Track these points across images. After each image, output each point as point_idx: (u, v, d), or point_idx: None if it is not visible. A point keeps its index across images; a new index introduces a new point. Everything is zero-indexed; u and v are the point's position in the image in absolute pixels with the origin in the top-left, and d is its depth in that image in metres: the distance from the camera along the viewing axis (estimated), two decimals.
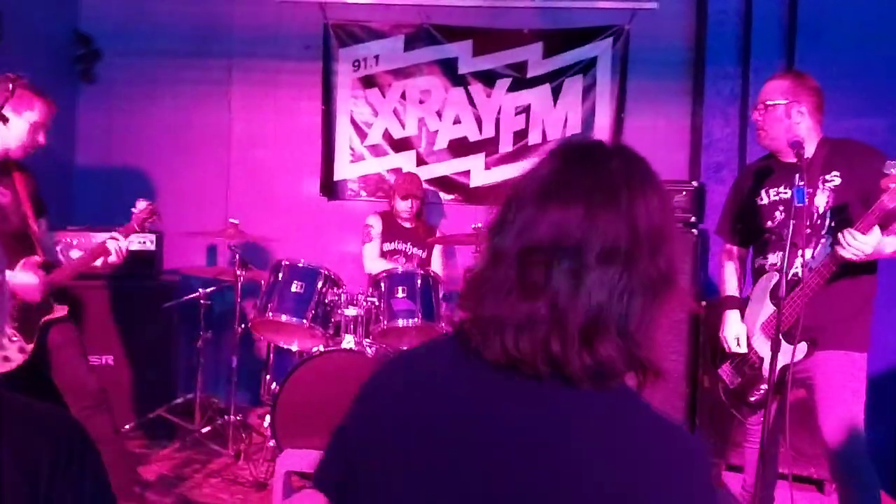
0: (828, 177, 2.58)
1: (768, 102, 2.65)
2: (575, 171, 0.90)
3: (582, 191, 0.87)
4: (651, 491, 0.82)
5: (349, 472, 0.97)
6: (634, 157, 0.94)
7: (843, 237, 2.36)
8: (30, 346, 2.92)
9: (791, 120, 2.61)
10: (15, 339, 2.88)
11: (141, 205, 3.41)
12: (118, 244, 3.07)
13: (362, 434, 0.97)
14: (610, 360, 0.85)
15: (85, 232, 4.06)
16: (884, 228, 2.39)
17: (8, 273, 2.83)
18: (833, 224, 2.54)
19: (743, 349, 2.72)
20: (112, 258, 3.08)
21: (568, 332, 0.83)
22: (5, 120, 2.65)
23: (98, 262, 3.09)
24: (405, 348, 1.03)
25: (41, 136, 2.99)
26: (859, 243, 2.37)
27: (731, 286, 2.90)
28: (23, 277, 2.86)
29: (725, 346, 2.77)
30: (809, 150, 2.61)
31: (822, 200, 2.59)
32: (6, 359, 2.88)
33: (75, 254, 3.13)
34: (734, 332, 2.75)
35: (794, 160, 2.52)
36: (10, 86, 2.66)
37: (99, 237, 3.89)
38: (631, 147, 0.96)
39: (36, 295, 2.88)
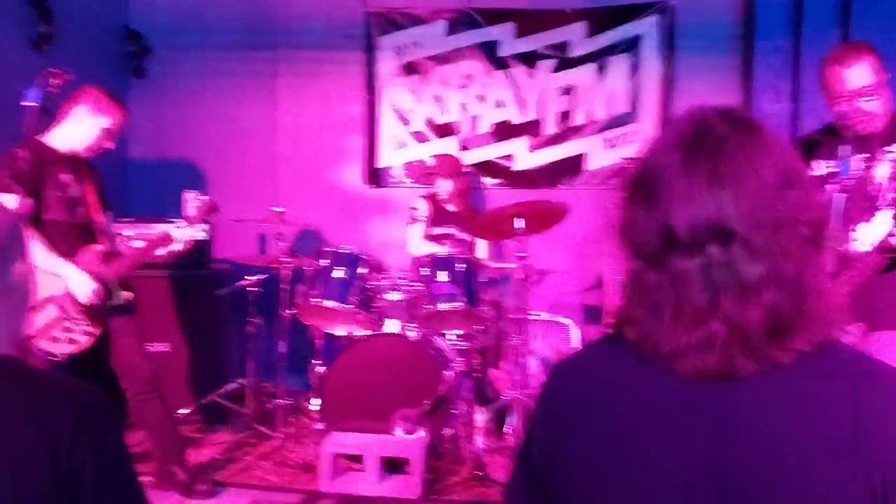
0: (890, 147, 2.46)
1: (874, 86, 2.42)
2: (696, 169, 0.83)
3: (710, 189, 0.82)
4: (882, 438, 0.79)
5: (542, 495, 0.95)
6: (746, 123, 0.87)
7: (856, 232, 2.29)
8: (96, 331, 3.04)
9: (886, 96, 2.46)
10: (81, 322, 3.00)
11: (199, 197, 3.51)
12: (182, 232, 3.18)
13: (556, 454, 0.94)
14: (806, 345, 0.82)
15: (138, 223, 4.18)
16: None
17: (72, 270, 2.95)
18: (892, 196, 2.43)
19: None
20: (177, 246, 3.18)
21: (755, 345, 0.81)
22: (49, 113, 2.75)
23: (162, 251, 3.19)
24: (564, 359, 1.00)
25: (109, 142, 3.12)
26: None
27: None
28: (80, 282, 2.96)
29: None
30: (878, 124, 2.50)
31: (883, 171, 2.46)
32: (72, 341, 3.01)
33: (137, 244, 3.23)
34: None
35: (863, 133, 2.42)
36: (55, 81, 2.76)
37: (154, 228, 4.05)
38: (739, 110, 0.90)
39: (90, 299, 2.98)
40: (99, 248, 3.09)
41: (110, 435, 0.99)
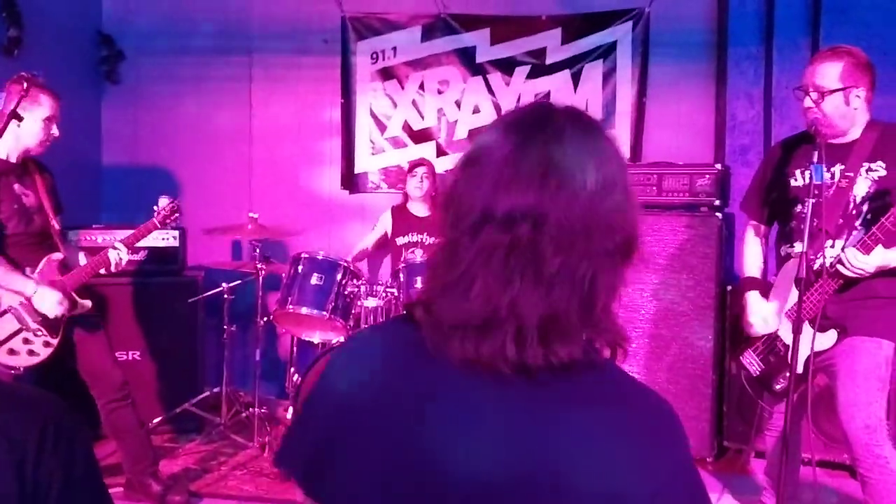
0: (873, 166, 2.46)
1: (823, 89, 2.44)
2: (528, 153, 0.83)
3: (535, 176, 0.82)
4: (662, 459, 0.80)
5: (317, 451, 0.93)
6: (589, 124, 0.88)
7: (845, 257, 2.32)
8: (55, 341, 2.98)
9: (850, 107, 2.45)
10: (40, 333, 2.95)
11: (163, 202, 3.45)
12: (118, 255, 3.12)
13: (330, 418, 0.93)
14: (571, 358, 0.82)
15: (111, 230, 4.13)
16: (887, 246, 2.35)
17: (34, 286, 2.89)
18: (870, 217, 2.46)
19: (770, 327, 2.64)
20: (112, 267, 3.12)
21: (526, 336, 0.81)
22: (20, 118, 2.70)
23: (103, 270, 3.14)
24: (360, 331, 1.00)
25: (55, 129, 3.04)
26: (861, 263, 2.32)
27: (752, 267, 2.83)
28: (46, 295, 2.91)
29: (750, 331, 2.70)
30: (855, 133, 2.51)
31: (861, 189, 2.47)
32: (32, 353, 2.96)
33: (82, 260, 3.18)
34: (757, 312, 2.68)
35: (841, 141, 2.45)
36: (25, 85, 2.71)
37: (124, 235, 4.00)
38: (584, 111, 0.90)
39: (54, 313, 2.93)
40: (58, 256, 3.04)
41: (77, 447, 0.97)
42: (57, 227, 3.12)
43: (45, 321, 2.95)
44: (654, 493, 0.78)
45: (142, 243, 3.55)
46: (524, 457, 0.80)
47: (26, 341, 2.95)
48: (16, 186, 2.99)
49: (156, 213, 3.31)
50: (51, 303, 2.91)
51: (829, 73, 2.45)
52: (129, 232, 3.38)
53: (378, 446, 0.86)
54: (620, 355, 0.86)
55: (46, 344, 2.98)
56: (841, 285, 2.43)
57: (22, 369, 2.96)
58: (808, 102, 2.48)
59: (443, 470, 0.82)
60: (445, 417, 0.84)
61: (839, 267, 2.37)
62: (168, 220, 3.38)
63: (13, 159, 3.00)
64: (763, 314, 2.66)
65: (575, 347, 0.82)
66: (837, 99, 2.44)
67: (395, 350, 0.93)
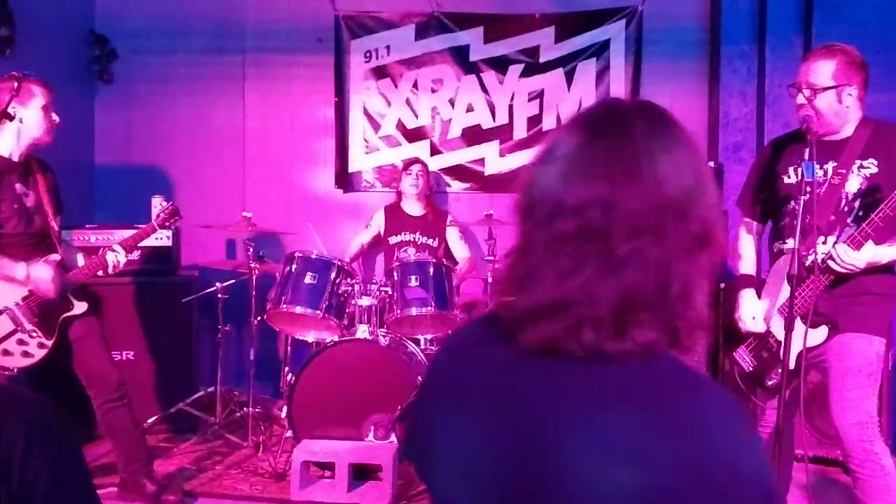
0: (864, 163, 2.47)
1: (816, 87, 2.43)
2: (596, 146, 0.86)
3: (603, 167, 0.84)
4: (697, 454, 0.78)
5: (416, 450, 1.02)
6: (658, 114, 0.89)
7: (835, 253, 2.32)
8: (50, 342, 2.98)
9: (842, 105, 2.45)
10: (35, 335, 2.94)
11: (158, 202, 3.44)
12: (116, 258, 3.12)
13: (423, 409, 1.02)
14: (647, 343, 0.82)
15: (104, 230, 4.13)
16: (878, 242, 2.35)
17: (25, 269, 2.89)
18: (861, 214, 2.47)
19: (760, 327, 2.65)
20: (109, 270, 3.12)
21: (601, 318, 0.82)
22: (10, 118, 2.70)
23: (100, 273, 3.14)
24: (451, 334, 1.07)
25: (54, 115, 3.04)
26: (852, 259, 2.33)
27: (746, 264, 2.83)
28: (38, 271, 2.91)
29: (741, 326, 2.71)
30: (848, 131, 2.52)
31: (853, 186, 2.48)
32: (26, 354, 2.95)
33: (80, 261, 3.18)
34: (750, 310, 2.69)
35: (834, 138, 2.45)
36: (16, 84, 2.70)
37: (118, 235, 3.99)
38: (654, 104, 0.91)
39: (51, 291, 2.93)
40: (55, 257, 3.04)
41: (65, 446, 0.97)
42: (56, 228, 3.11)
43: (40, 322, 2.94)
44: (699, 484, 0.77)
45: None
46: (559, 445, 0.81)
47: (21, 342, 2.94)
48: (17, 186, 2.98)
49: (155, 216, 3.33)
50: (45, 278, 2.90)
51: (823, 70, 2.46)
52: (124, 232, 3.37)
53: (457, 433, 0.91)
54: (686, 347, 0.86)
55: (41, 345, 2.97)
56: (832, 281, 2.44)
57: (16, 370, 2.95)
58: (800, 99, 2.49)
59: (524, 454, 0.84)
60: (516, 401, 0.86)
61: (830, 263, 2.38)
62: (167, 223, 3.39)
63: (16, 158, 2.99)
64: (755, 312, 2.67)
65: (649, 334, 0.83)
66: (830, 97, 2.45)
67: (476, 339, 0.98)
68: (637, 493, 0.76)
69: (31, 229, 3.02)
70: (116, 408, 3.13)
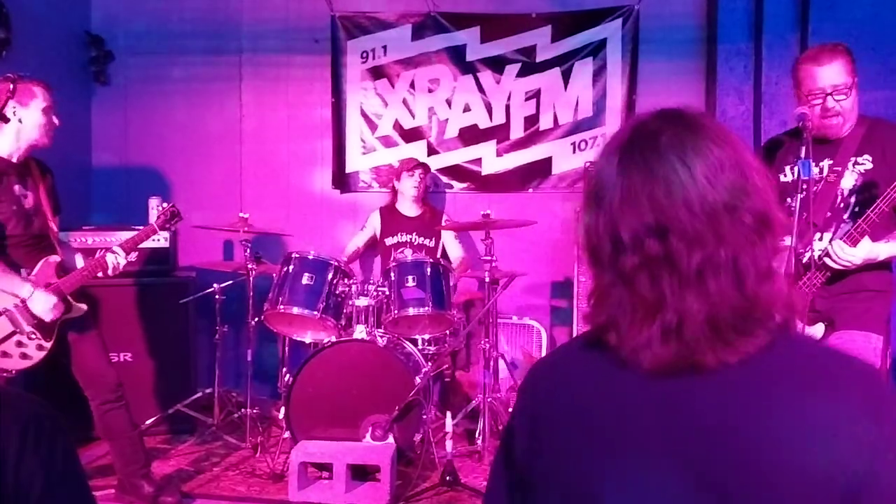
0: (859, 159, 2.48)
1: (848, 85, 2.42)
2: (632, 175, 0.87)
3: (644, 196, 0.85)
4: (854, 430, 0.80)
5: (525, 489, 0.98)
6: (683, 120, 0.89)
7: (832, 249, 2.33)
8: (48, 344, 2.97)
9: (856, 97, 2.47)
10: (34, 337, 2.94)
11: (155, 204, 3.40)
12: (116, 259, 3.11)
13: (538, 450, 0.97)
14: (761, 332, 0.84)
15: (101, 232, 4.12)
16: (875, 239, 2.35)
17: (30, 289, 2.88)
18: (857, 209, 2.47)
19: None
20: (110, 271, 3.12)
21: (707, 333, 0.83)
22: (6, 119, 2.69)
23: (100, 274, 3.14)
24: (541, 360, 1.04)
25: (54, 117, 3.04)
26: (848, 255, 2.33)
27: None
28: (41, 299, 2.90)
29: None
30: (846, 128, 2.53)
31: (849, 182, 2.49)
32: (25, 356, 2.95)
33: (79, 262, 3.18)
34: None
35: (834, 137, 2.46)
36: (11, 86, 2.70)
37: (115, 237, 3.99)
38: (676, 109, 0.91)
39: (49, 317, 2.92)
40: (55, 259, 3.03)
41: (59, 447, 0.97)
42: (55, 229, 3.11)
43: (39, 324, 2.94)
44: (865, 465, 0.78)
45: None
46: (735, 445, 0.82)
47: (20, 344, 2.93)
48: (16, 188, 2.98)
49: (155, 217, 3.32)
50: (46, 307, 2.90)
51: (843, 70, 2.46)
52: (122, 234, 3.35)
53: (576, 451, 0.91)
54: (794, 323, 0.88)
55: (40, 347, 2.97)
56: (828, 278, 2.44)
57: (15, 372, 2.95)
58: (830, 103, 2.46)
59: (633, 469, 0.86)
60: (637, 418, 0.87)
61: (826, 259, 2.38)
62: (167, 225, 3.38)
63: (14, 159, 2.99)
64: None
65: (750, 330, 0.84)
66: (853, 93, 2.47)
67: (590, 363, 0.95)
68: (830, 473, 0.78)
69: (30, 230, 3.01)
70: (114, 409, 3.13)
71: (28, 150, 3.01)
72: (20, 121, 2.93)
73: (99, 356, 3.15)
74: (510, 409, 1.06)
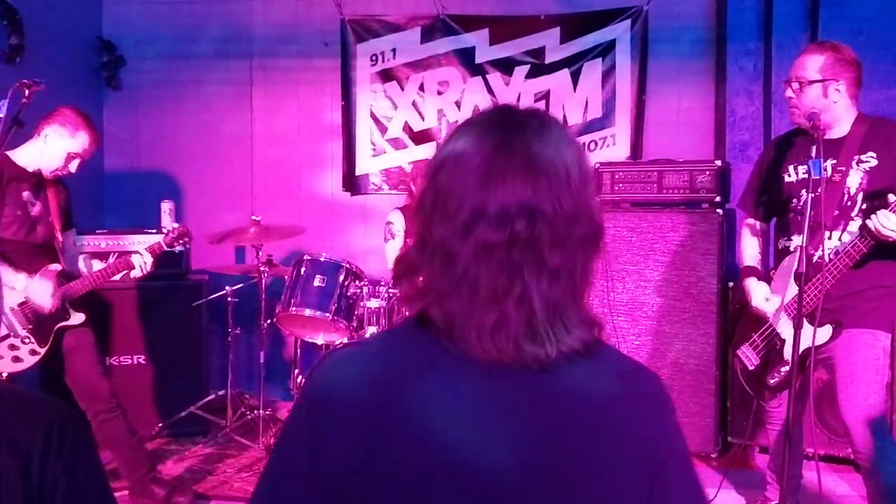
0: (863, 157, 2.49)
1: (803, 80, 2.49)
2: (513, 150, 0.85)
3: (523, 171, 0.84)
4: (658, 430, 0.89)
5: (327, 495, 0.87)
6: (550, 120, 0.91)
7: (878, 219, 2.30)
8: (42, 350, 2.98)
9: (828, 99, 2.48)
10: (28, 341, 2.95)
11: (167, 208, 3.41)
12: (143, 260, 3.14)
13: (345, 451, 0.87)
14: (580, 340, 0.86)
15: (114, 235, 4.16)
16: None
17: (25, 280, 2.91)
18: (865, 206, 2.47)
19: (774, 306, 2.63)
20: (136, 273, 3.15)
21: (539, 328, 0.84)
22: (21, 125, 2.72)
23: (118, 277, 3.16)
24: (348, 350, 0.95)
25: (74, 167, 3.06)
26: (894, 224, 2.31)
27: (749, 257, 2.85)
28: (37, 286, 2.92)
29: (756, 311, 2.69)
30: (845, 129, 2.53)
31: (854, 181, 2.50)
32: (17, 359, 2.96)
33: (97, 266, 3.20)
34: (759, 293, 2.68)
35: (831, 137, 2.46)
36: (27, 92, 2.73)
37: (128, 240, 4.02)
38: (540, 109, 0.94)
39: (48, 303, 2.94)
40: (55, 267, 3.05)
41: (81, 449, 0.98)
42: (61, 240, 3.12)
43: (35, 329, 2.95)
44: (656, 463, 0.87)
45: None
46: (539, 446, 0.84)
47: (13, 347, 2.94)
48: (25, 194, 3.00)
49: (164, 235, 3.34)
50: (43, 293, 2.91)
51: (811, 64, 2.52)
52: (135, 237, 3.33)
53: (389, 451, 0.85)
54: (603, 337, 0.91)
55: (33, 352, 2.97)
56: (837, 280, 2.44)
57: (6, 375, 2.93)
58: (789, 93, 2.53)
59: (465, 464, 0.84)
60: (467, 413, 0.86)
61: (872, 230, 2.32)
62: (175, 244, 3.38)
63: (30, 169, 3.03)
64: (765, 293, 2.67)
65: (577, 335, 0.86)
66: (815, 90, 2.49)
67: (411, 352, 0.91)
68: (637, 471, 0.86)
69: (32, 238, 3.02)
70: (110, 419, 3.11)
71: (38, 172, 3.04)
72: (45, 143, 2.97)
73: (92, 368, 3.13)
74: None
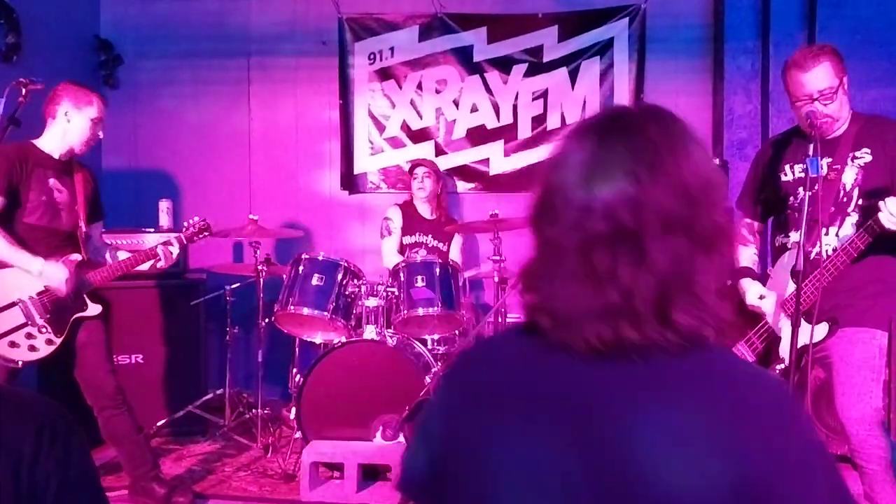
0: (857, 154, 2.50)
1: (827, 91, 2.43)
2: (614, 149, 0.87)
3: (627, 168, 0.85)
4: (750, 439, 0.81)
5: (439, 472, 0.96)
6: (667, 116, 0.92)
7: (888, 206, 2.28)
8: (58, 340, 3.00)
9: (846, 97, 2.50)
10: (45, 330, 2.96)
11: (165, 206, 3.41)
12: (169, 249, 3.15)
13: (452, 432, 0.96)
14: (689, 331, 0.85)
15: (112, 234, 4.14)
16: None
17: (41, 265, 2.91)
18: (861, 202, 2.48)
19: (770, 304, 2.63)
20: (161, 263, 3.16)
21: (642, 316, 0.84)
22: (18, 124, 2.72)
23: (145, 266, 3.17)
24: (474, 343, 1.06)
25: (100, 131, 3.13)
26: None
27: (745, 258, 2.85)
28: (53, 270, 2.93)
29: (753, 309, 2.69)
30: (842, 127, 2.54)
31: (850, 177, 2.51)
32: (33, 348, 2.97)
33: (122, 255, 3.21)
34: (754, 291, 2.67)
35: (828, 136, 2.46)
36: (24, 90, 2.73)
37: (126, 239, 4.03)
38: (660, 106, 0.94)
39: (63, 288, 2.94)
40: (76, 257, 3.06)
41: (73, 448, 0.98)
42: (84, 229, 3.13)
43: (52, 318, 2.96)
44: (754, 477, 0.79)
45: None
46: (618, 444, 0.83)
47: (29, 336, 2.95)
48: (51, 181, 3.02)
49: (184, 228, 3.37)
50: (59, 278, 2.92)
51: (824, 73, 2.46)
52: (133, 236, 3.33)
53: (524, 448, 0.88)
54: (721, 338, 0.89)
55: (49, 342, 2.99)
56: (834, 276, 2.44)
57: (21, 363, 2.95)
58: (818, 107, 2.47)
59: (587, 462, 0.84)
60: (587, 407, 0.86)
61: (881, 219, 2.30)
62: (196, 238, 3.40)
63: (56, 155, 3.05)
64: (760, 291, 2.67)
65: (690, 320, 0.85)
66: (840, 93, 2.48)
67: (518, 349, 0.95)
68: (727, 483, 0.78)
69: (57, 224, 3.03)
70: (116, 416, 3.12)
71: (69, 152, 3.06)
72: (69, 121, 3.01)
73: (101, 364, 3.14)
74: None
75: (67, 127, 3.03)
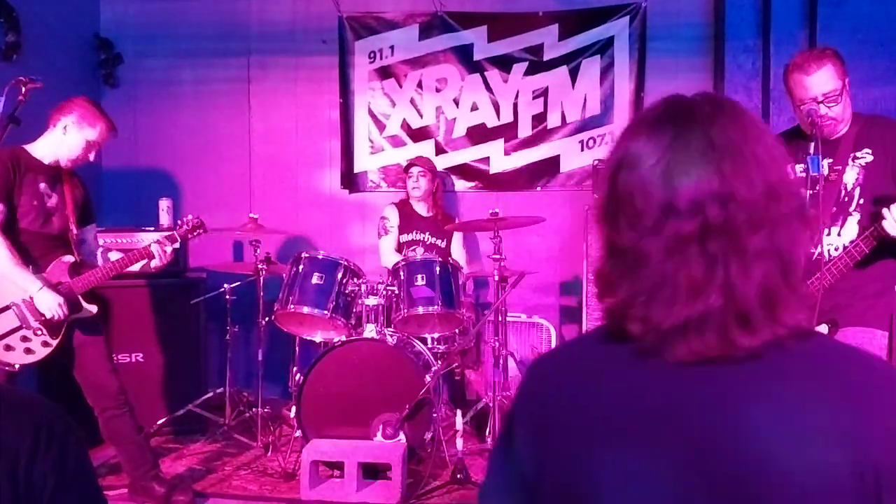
0: (858, 154, 2.49)
1: (832, 94, 2.42)
2: (692, 143, 0.83)
3: (710, 162, 0.81)
4: (875, 429, 0.78)
5: (525, 488, 0.93)
6: (731, 104, 0.88)
7: (891, 213, 2.27)
8: (54, 342, 2.99)
9: (849, 97, 2.49)
10: (40, 333, 2.96)
11: (165, 205, 3.41)
12: (161, 248, 3.14)
13: (542, 453, 0.92)
14: (797, 323, 0.82)
15: (113, 233, 4.15)
16: None
17: (37, 289, 2.90)
18: (862, 201, 2.47)
19: None
20: (155, 262, 3.15)
21: (751, 314, 0.80)
22: (18, 122, 2.72)
23: (136, 267, 3.16)
24: (545, 355, 1.00)
25: (92, 155, 3.12)
26: None
27: None
28: (46, 298, 2.91)
29: None
30: (844, 128, 2.53)
31: (851, 177, 2.50)
32: (29, 351, 2.96)
33: (114, 256, 3.20)
34: None
35: (831, 137, 2.46)
36: (24, 89, 2.72)
37: (131, 238, 4.02)
38: (717, 94, 0.91)
39: (57, 314, 2.93)
40: (68, 259, 3.05)
41: (70, 449, 0.98)
42: (75, 232, 3.13)
43: (46, 321, 2.95)
44: (872, 462, 0.76)
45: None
46: (752, 438, 0.79)
47: (25, 339, 2.95)
48: (41, 185, 3.01)
49: (177, 226, 3.36)
50: (50, 305, 2.92)
51: (828, 76, 2.45)
52: (133, 235, 3.33)
53: (633, 466, 0.84)
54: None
55: (45, 344, 2.98)
56: (836, 278, 2.43)
57: (18, 366, 2.95)
58: (823, 110, 2.46)
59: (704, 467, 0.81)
60: (686, 418, 0.82)
61: (881, 223, 2.30)
62: (190, 235, 3.39)
63: (46, 161, 3.04)
64: None
65: (797, 314, 0.82)
66: (844, 94, 2.47)
67: (605, 355, 0.92)
68: (848, 473, 0.75)
69: (48, 229, 3.03)
70: (117, 416, 3.12)
71: (55, 163, 3.06)
72: (65, 134, 3.01)
73: (101, 364, 3.14)
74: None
75: (62, 139, 3.02)
